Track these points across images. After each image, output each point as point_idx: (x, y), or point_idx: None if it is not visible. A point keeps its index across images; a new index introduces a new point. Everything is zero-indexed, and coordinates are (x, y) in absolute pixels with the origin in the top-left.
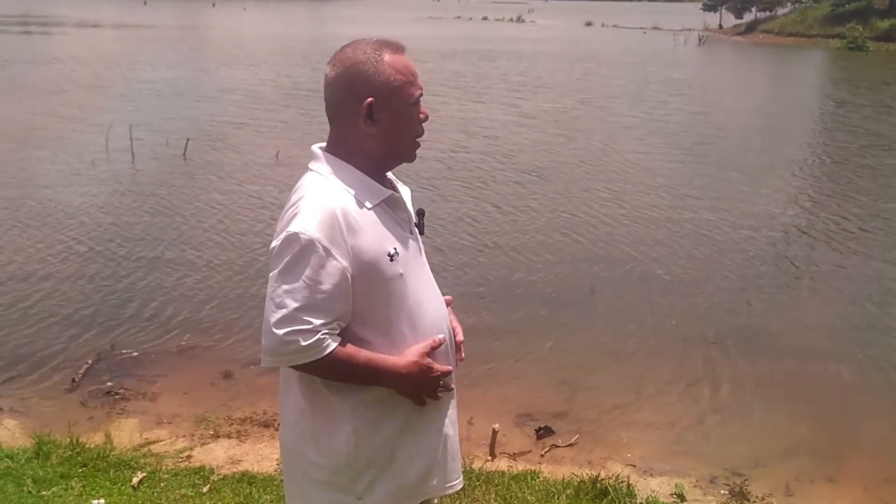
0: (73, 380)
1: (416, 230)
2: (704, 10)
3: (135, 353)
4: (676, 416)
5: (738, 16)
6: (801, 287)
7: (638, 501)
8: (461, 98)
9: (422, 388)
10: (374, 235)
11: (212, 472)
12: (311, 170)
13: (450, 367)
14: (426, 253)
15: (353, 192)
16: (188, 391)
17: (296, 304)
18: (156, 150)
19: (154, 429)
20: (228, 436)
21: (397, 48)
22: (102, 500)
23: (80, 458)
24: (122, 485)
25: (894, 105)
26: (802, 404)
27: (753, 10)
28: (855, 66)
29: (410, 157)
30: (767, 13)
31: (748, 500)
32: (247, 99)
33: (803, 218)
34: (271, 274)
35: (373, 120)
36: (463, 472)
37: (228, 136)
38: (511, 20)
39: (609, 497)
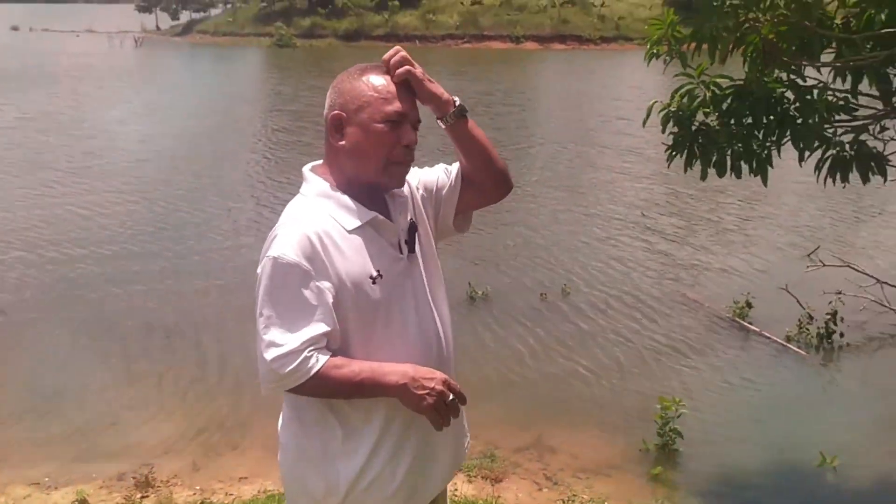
0: None
1: (407, 248)
2: (139, 11)
3: None
4: (89, 421)
5: (174, 17)
6: None
7: None
8: None
9: (427, 388)
10: (355, 259)
11: None
12: (300, 192)
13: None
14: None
15: (334, 214)
16: None
17: (280, 329)
18: None
19: None
20: None
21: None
22: None
23: None
24: None
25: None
26: (199, 386)
27: (188, 11)
28: (286, 61)
29: (385, 180)
30: (202, 14)
31: (152, 486)
32: None
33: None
34: (256, 300)
35: (342, 134)
36: None
37: None
38: None
39: None
